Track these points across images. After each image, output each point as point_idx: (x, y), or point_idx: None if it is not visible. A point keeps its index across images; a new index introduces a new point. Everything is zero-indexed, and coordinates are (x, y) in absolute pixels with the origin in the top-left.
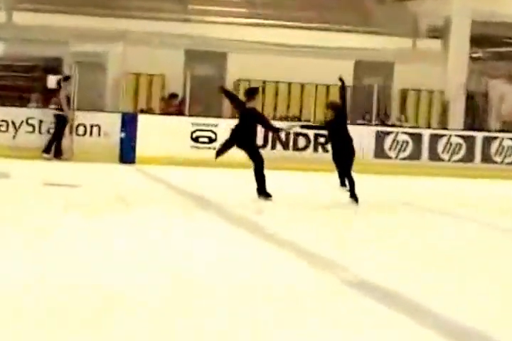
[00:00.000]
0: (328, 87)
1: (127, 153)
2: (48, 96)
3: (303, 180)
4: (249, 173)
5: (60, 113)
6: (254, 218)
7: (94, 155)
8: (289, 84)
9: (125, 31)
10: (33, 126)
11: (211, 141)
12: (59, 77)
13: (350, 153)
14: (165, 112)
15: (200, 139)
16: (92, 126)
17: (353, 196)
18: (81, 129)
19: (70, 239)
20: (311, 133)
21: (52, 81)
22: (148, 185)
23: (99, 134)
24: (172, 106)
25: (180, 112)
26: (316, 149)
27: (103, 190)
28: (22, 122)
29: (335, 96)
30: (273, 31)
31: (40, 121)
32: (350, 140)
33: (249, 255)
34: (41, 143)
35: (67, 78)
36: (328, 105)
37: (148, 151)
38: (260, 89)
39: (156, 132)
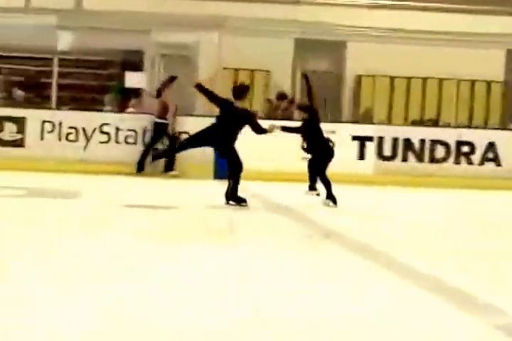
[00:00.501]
0: (473, 82)
1: (224, 167)
2: (126, 98)
3: (437, 199)
4: (370, 191)
5: (163, 121)
6: (388, 250)
7: (184, 169)
8: (424, 79)
9: (221, 17)
10: (107, 134)
11: None
12: (140, 74)
13: (327, 155)
14: (270, 116)
15: None
16: (180, 134)
17: (330, 197)
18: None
19: (147, 274)
20: (451, 140)
21: (131, 78)
22: (251, 207)
23: None
24: (279, 108)
25: (289, 116)
26: (457, 161)
27: (192, 213)
28: (95, 130)
29: (480, 94)
30: (404, 15)
31: (117, 129)
32: (325, 140)
33: (385, 295)
34: (117, 155)
35: (173, 79)
36: (298, 106)
37: (250, 164)
38: (249, 87)
39: (259, 141)
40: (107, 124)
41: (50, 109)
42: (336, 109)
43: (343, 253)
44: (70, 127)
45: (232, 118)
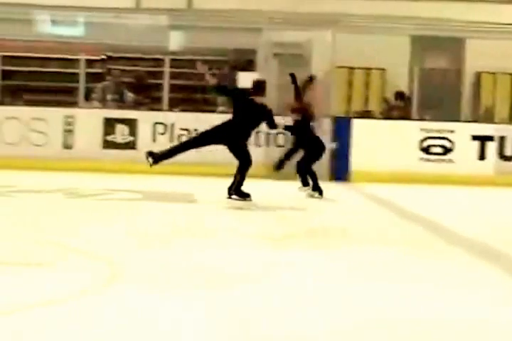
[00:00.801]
0: None
1: (340, 168)
2: None
3: None
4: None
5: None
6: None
7: None
8: None
9: (334, 14)
10: None
11: (446, 151)
12: (253, 74)
13: (320, 152)
14: (387, 116)
15: (432, 149)
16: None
17: (317, 188)
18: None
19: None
20: None
21: (244, 78)
22: (370, 211)
23: None
24: (396, 108)
25: (406, 116)
26: None
27: (307, 216)
28: None
29: None
30: None
31: None
32: (317, 138)
33: None
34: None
35: (312, 79)
36: (291, 110)
37: (367, 165)
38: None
39: (375, 141)
40: None
41: (161, 110)
42: (455, 107)
43: (467, 258)
44: (182, 129)
45: (249, 113)
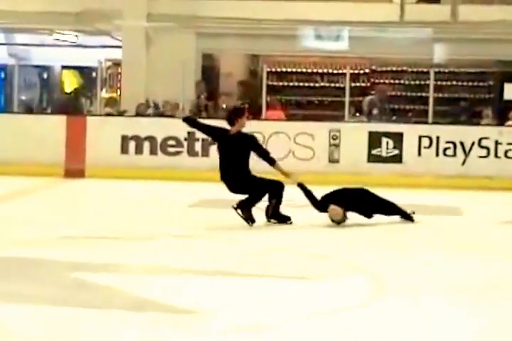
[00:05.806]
0: None
1: None
2: (504, 111)
3: None
4: None
5: None
6: None
7: None
8: None
9: None
10: (487, 148)
11: None
12: None
13: None
14: None
15: None
16: None
17: None
18: None
19: None
20: None
21: (510, 90)
22: None
23: None
24: None
25: None
26: None
27: None
28: (473, 144)
29: None
30: None
31: (496, 143)
32: None
33: None
34: (494, 170)
35: None
36: None
37: None
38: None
39: None
40: (486, 138)
41: (427, 123)
42: None
43: None
44: (448, 141)
45: (232, 147)
